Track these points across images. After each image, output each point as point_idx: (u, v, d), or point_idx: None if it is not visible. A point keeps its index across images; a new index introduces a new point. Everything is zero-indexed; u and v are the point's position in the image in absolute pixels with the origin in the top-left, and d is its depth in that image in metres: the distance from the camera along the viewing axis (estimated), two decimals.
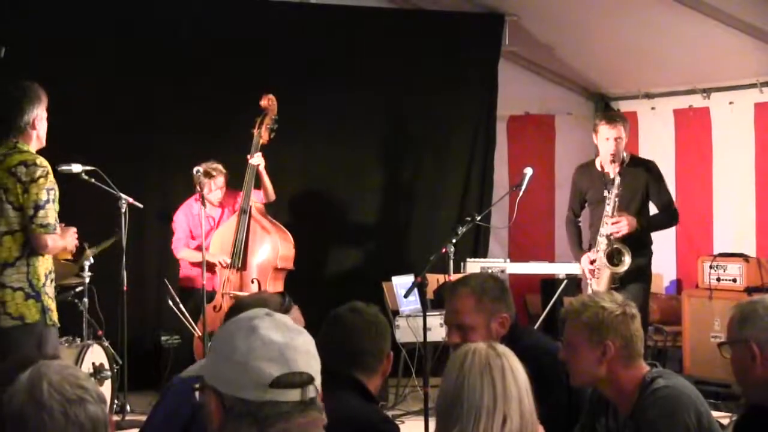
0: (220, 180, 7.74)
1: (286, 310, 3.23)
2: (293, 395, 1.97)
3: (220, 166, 7.73)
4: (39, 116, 5.03)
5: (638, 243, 6.85)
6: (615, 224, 6.73)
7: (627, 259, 6.68)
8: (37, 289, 4.91)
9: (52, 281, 5.07)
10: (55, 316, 5.01)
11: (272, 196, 7.84)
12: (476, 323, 3.89)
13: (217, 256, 7.62)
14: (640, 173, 6.95)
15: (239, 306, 3.29)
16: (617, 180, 6.76)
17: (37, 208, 4.86)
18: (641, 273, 6.91)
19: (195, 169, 7.44)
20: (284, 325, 2.03)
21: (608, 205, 6.76)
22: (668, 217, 7.13)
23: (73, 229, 5.20)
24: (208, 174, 7.60)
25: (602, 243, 6.78)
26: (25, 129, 4.99)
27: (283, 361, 1.98)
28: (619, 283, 6.70)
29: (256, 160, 7.64)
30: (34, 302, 4.89)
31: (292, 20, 8.65)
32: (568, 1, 8.35)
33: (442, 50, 8.97)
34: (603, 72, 9.60)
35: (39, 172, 4.88)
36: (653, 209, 7.21)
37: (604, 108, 9.88)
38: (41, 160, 4.92)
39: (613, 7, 8.16)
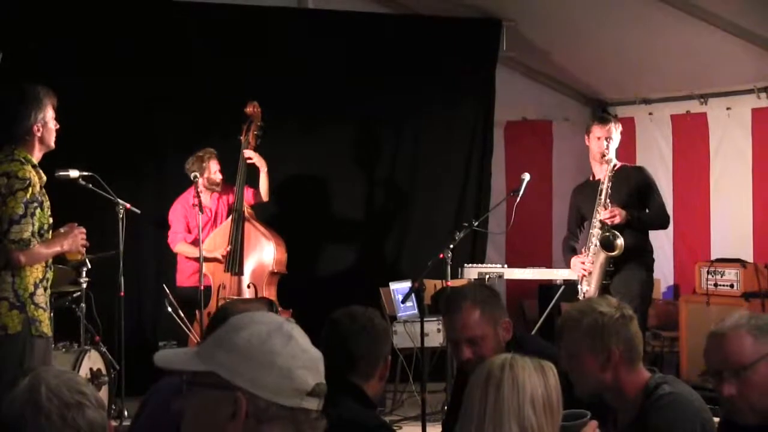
0: (216, 163, 7.74)
1: None
2: (317, 404, 1.98)
3: (209, 149, 7.74)
4: (41, 121, 4.92)
5: (637, 251, 6.87)
6: (609, 213, 6.76)
7: (620, 242, 6.71)
8: (22, 300, 4.81)
9: (45, 289, 4.97)
10: (44, 327, 4.89)
11: (265, 197, 7.85)
12: (486, 333, 3.89)
13: (214, 251, 7.60)
14: (630, 177, 6.98)
15: (225, 312, 3.28)
16: (610, 164, 6.81)
17: (11, 222, 4.76)
18: (640, 276, 6.93)
19: (192, 175, 7.46)
20: (305, 335, 2.03)
21: (600, 194, 6.81)
22: (659, 218, 7.07)
23: (77, 231, 5.10)
24: (200, 159, 7.65)
25: (596, 228, 6.83)
26: (23, 137, 4.90)
27: (317, 370, 1.98)
28: (610, 279, 6.76)
29: (253, 157, 7.75)
30: (17, 313, 4.79)
31: (289, 25, 8.66)
32: (565, 6, 8.36)
33: (440, 55, 8.96)
34: (600, 77, 9.61)
35: (18, 185, 4.77)
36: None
37: (602, 114, 9.90)
38: (24, 172, 4.80)
39: (611, 12, 8.17)
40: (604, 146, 6.91)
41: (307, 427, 1.95)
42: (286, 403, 1.92)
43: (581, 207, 7.17)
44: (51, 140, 5.01)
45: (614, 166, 6.88)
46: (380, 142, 9.10)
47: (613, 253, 6.72)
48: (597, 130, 6.97)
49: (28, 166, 4.87)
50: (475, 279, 7.55)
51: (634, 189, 6.94)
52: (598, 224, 6.82)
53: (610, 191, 6.81)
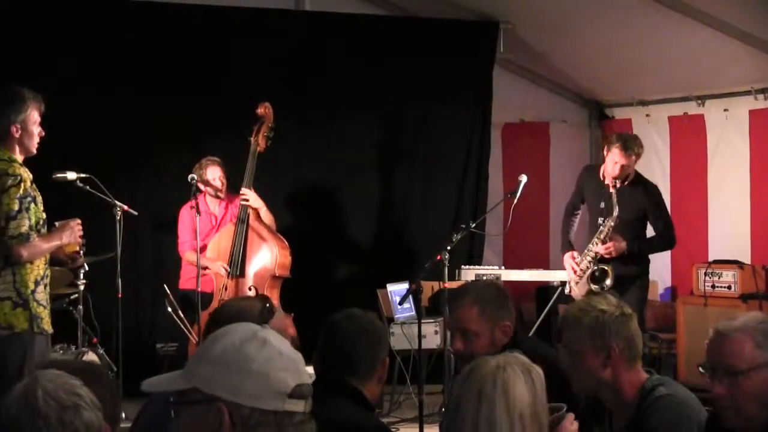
0: (216, 170, 7.71)
1: (265, 319, 3.20)
2: (302, 406, 1.97)
3: (211, 157, 7.71)
4: (20, 123, 4.92)
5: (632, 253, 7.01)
6: (605, 249, 6.97)
7: (608, 282, 6.91)
8: (25, 297, 4.86)
9: (46, 286, 5.01)
10: (45, 324, 4.94)
11: (272, 228, 7.72)
12: (480, 330, 3.92)
13: (216, 263, 7.58)
14: (639, 194, 7.10)
15: (218, 314, 3.29)
16: (615, 211, 6.94)
17: (8, 219, 4.80)
18: (636, 281, 7.04)
19: (189, 177, 7.44)
20: (283, 339, 2.04)
21: (601, 230, 6.99)
22: (664, 242, 7.32)
23: (73, 224, 5.12)
24: (200, 166, 7.62)
25: (588, 256, 7.07)
26: (2, 136, 4.91)
27: (297, 371, 1.98)
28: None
29: (248, 197, 7.57)
30: (22, 311, 4.84)
31: (286, 27, 8.67)
32: (563, 8, 8.36)
33: (437, 57, 8.96)
34: (598, 79, 9.61)
35: (10, 182, 4.81)
36: (650, 230, 7.34)
37: (599, 116, 9.92)
38: (14, 168, 4.84)
39: (608, 14, 8.18)
40: (616, 172, 6.98)
41: (292, 430, 1.95)
42: (268, 408, 1.93)
43: (584, 189, 7.39)
44: (31, 145, 5.00)
45: (625, 179, 7.02)
46: (378, 144, 9.09)
47: (597, 290, 6.88)
48: (617, 155, 6.98)
49: (16, 164, 4.90)
50: (472, 281, 7.56)
51: (641, 210, 7.11)
52: (592, 254, 7.06)
53: (611, 229, 6.96)
